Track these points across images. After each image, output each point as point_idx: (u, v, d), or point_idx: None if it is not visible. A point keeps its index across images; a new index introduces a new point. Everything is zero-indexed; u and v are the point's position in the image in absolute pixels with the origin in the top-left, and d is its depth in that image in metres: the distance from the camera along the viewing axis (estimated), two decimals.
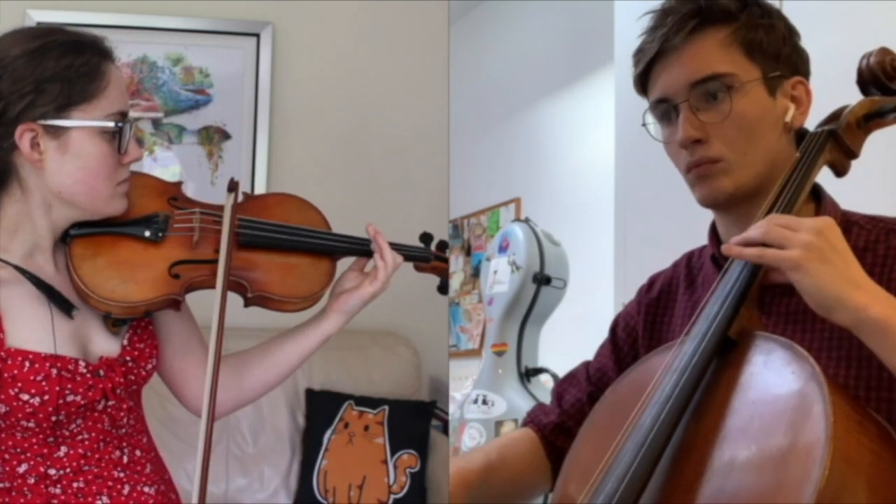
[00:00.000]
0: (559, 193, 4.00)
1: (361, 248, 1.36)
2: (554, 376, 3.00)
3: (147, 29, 2.94)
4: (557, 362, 2.71)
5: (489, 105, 4.55)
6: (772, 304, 1.10)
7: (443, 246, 1.45)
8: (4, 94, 1.13)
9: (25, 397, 1.11)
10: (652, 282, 1.34)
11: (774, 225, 0.98)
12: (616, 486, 0.94)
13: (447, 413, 2.99)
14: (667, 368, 1.02)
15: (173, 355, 1.35)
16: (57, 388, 1.13)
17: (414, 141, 3.13)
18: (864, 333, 0.93)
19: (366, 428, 2.65)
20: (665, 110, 1.15)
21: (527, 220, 3.20)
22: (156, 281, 1.21)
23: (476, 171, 4.54)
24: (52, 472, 1.15)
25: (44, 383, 1.12)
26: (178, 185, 1.33)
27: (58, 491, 1.15)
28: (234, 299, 1.26)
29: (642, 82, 1.18)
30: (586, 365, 1.36)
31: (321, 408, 2.71)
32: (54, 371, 1.13)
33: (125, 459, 1.22)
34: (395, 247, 1.37)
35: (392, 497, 2.57)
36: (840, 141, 1.11)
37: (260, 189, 2.99)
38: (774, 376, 0.93)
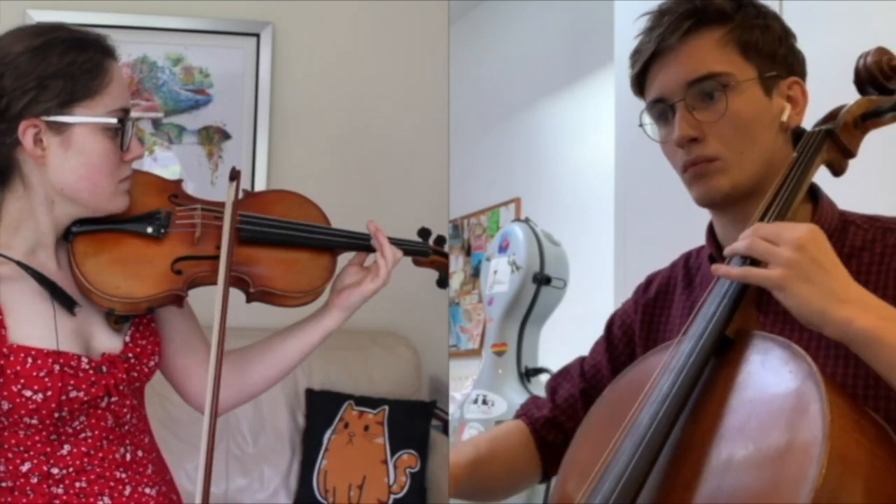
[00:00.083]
0: (559, 193, 3.99)
1: (361, 243, 1.37)
2: None
3: (147, 29, 2.93)
4: (557, 362, 2.69)
5: (489, 105, 4.55)
6: (769, 303, 1.10)
7: (441, 241, 1.47)
8: (7, 91, 1.13)
9: (28, 394, 1.11)
10: (649, 281, 1.34)
11: (758, 237, 0.99)
12: (614, 485, 0.94)
13: (447, 413, 2.98)
14: (664, 368, 1.02)
15: (175, 352, 1.35)
16: (59, 384, 1.13)
17: (414, 141, 3.13)
18: (853, 346, 0.94)
19: (366, 428, 2.65)
20: (662, 110, 1.16)
21: (527, 220, 3.20)
22: (158, 277, 1.22)
23: (476, 171, 4.54)
24: (55, 470, 1.15)
25: (46, 379, 1.12)
26: (178, 182, 1.34)
27: (60, 491, 1.15)
28: (235, 298, 1.27)
29: (639, 83, 1.19)
30: (581, 361, 1.37)
31: (321, 408, 2.71)
32: (57, 367, 1.13)
33: (128, 457, 1.22)
34: (394, 241, 1.38)
35: (392, 497, 2.57)
36: (837, 140, 1.12)
37: (260, 188, 2.99)
38: (772, 375, 0.93)
